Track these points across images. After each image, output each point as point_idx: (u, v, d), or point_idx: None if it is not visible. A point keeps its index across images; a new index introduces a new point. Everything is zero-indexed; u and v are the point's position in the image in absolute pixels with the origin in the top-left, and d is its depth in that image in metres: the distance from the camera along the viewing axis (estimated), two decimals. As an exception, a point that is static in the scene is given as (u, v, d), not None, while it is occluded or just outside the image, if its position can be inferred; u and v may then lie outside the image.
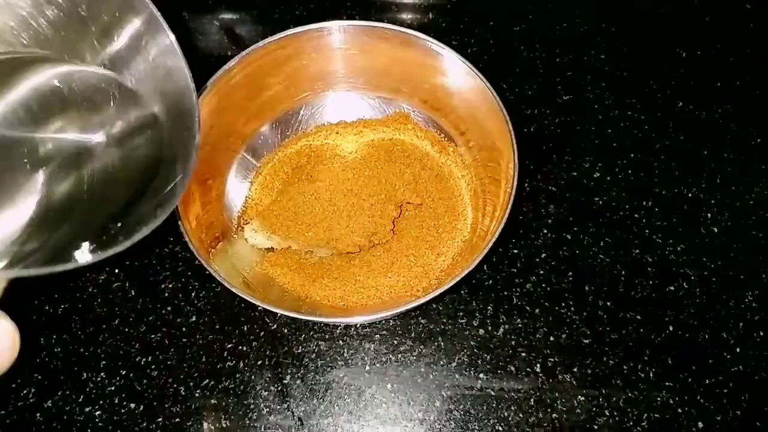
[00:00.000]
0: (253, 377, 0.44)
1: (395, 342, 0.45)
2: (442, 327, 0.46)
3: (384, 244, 0.45)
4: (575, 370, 0.45)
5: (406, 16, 0.59)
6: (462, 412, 0.43)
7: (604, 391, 0.44)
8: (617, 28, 0.59)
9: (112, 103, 0.28)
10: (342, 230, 0.44)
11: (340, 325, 0.45)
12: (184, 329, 0.45)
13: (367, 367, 0.44)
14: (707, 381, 0.44)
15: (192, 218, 0.41)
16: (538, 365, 0.45)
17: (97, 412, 0.42)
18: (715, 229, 0.50)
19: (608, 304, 0.47)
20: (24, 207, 0.25)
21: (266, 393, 0.43)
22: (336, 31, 0.46)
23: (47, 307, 0.46)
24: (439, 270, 0.44)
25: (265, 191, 0.48)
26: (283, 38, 0.44)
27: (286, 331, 0.45)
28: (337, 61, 0.48)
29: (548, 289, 0.47)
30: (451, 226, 0.46)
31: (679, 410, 0.43)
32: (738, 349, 0.45)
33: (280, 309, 0.37)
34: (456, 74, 0.44)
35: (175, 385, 0.44)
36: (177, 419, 0.42)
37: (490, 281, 0.47)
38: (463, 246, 0.45)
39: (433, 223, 0.46)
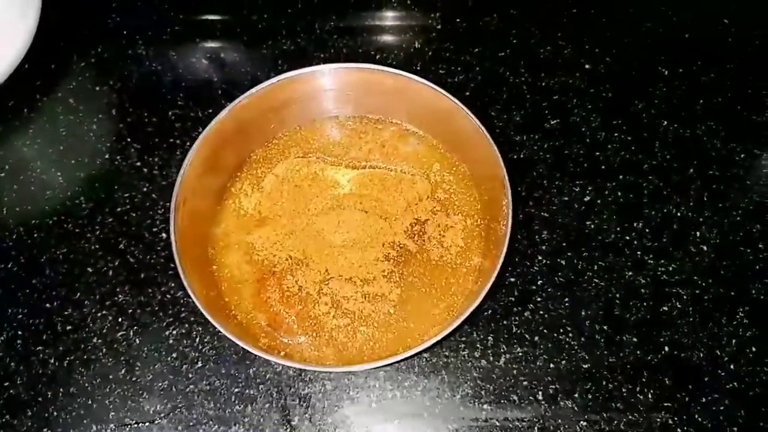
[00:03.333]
0: (262, 420, 0.45)
1: (399, 378, 0.46)
2: (445, 360, 0.47)
3: (384, 294, 0.46)
4: (576, 395, 0.46)
5: (394, 45, 0.60)
6: (468, 444, 0.44)
7: (605, 414, 0.45)
8: (600, 49, 0.60)
9: None
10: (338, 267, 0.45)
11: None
12: (190, 376, 0.46)
13: (373, 405, 0.45)
14: (704, 399, 0.46)
15: (190, 266, 0.41)
16: (540, 393, 0.46)
17: (109, 465, 0.43)
18: (705, 247, 0.51)
19: (605, 327, 0.48)
20: None
21: (275, 435, 0.44)
22: (326, 73, 0.46)
23: (53, 360, 0.46)
24: (441, 315, 0.45)
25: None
26: (274, 84, 0.45)
27: (291, 372, 0.46)
28: (328, 100, 0.49)
29: (546, 316, 0.48)
30: (452, 273, 0.46)
31: (679, 430, 0.45)
32: (732, 366, 0.47)
33: (283, 360, 0.38)
34: (446, 109, 0.45)
35: (184, 433, 0.44)
36: (189, 467, 0.43)
37: (489, 311, 0.48)
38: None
39: (434, 272, 0.47)
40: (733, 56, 0.60)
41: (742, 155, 0.55)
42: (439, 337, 0.38)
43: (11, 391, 0.45)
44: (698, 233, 0.52)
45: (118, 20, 0.61)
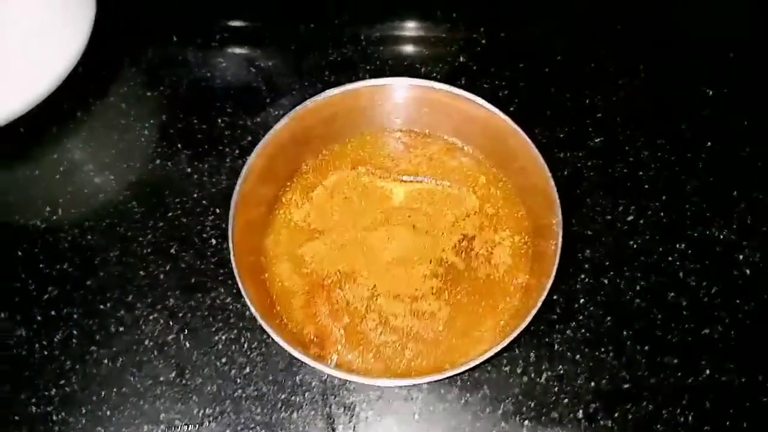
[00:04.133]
0: (306, 428, 0.46)
1: (442, 391, 0.47)
2: (487, 375, 0.47)
3: (433, 312, 0.46)
4: (616, 415, 0.46)
5: (439, 59, 0.60)
6: (509, 459, 0.45)
7: (645, 435, 0.46)
8: (645, 67, 0.60)
9: None
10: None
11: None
12: (238, 381, 0.47)
13: (416, 416, 0.46)
14: (745, 424, 0.46)
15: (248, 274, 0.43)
16: (581, 411, 0.46)
17: (160, 465, 0.44)
18: (748, 271, 0.51)
19: (646, 348, 0.48)
20: None
21: (320, 443, 0.45)
22: (379, 87, 0.47)
23: (106, 360, 0.48)
24: (487, 333, 0.46)
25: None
26: (330, 96, 0.46)
27: (337, 381, 0.47)
28: (379, 113, 0.50)
29: (587, 334, 0.49)
30: (500, 290, 0.47)
31: (718, 454, 0.45)
32: (773, 392, 0.47)
33: (332, 371, 0.39)
34: (494, 125, 0.46)
35: (232, 437, 0.46)
36: (237, 471, 0.44)
37: (531, 328, 0.49)
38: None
39: (482, 289, 0.47)
40: (780, 78, 0.59)
41: (788, 178, 0.55)
42: (487, 356, 0.39)
43: (66, 389, 0.47)
44: (741, 256, 0.52)
45: (169, 27, 0.62)
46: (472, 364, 0.39)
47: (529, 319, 0.39)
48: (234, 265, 0.41)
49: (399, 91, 0.48)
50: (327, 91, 0.46)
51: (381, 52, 0.61)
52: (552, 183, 0.43)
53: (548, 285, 0.40)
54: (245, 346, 0.48)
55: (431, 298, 0.46)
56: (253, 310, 0.40)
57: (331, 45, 0.61)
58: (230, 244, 0.42)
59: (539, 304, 0.40)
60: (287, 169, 0.50)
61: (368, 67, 0.60)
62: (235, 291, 0.49)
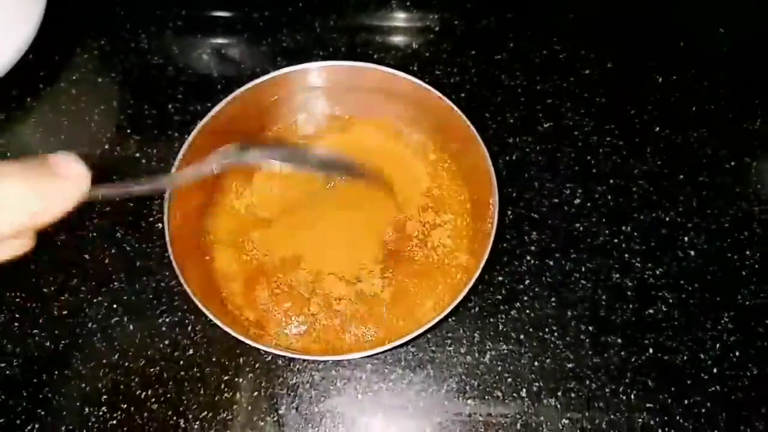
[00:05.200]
0: (250, 408, 0.46)
1: (386, 371, 0.47)
2: (431, 355, 0.47)
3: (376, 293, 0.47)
4: (559, 394, 0.46)
5: (391, 46, 0.61)
6: (451, 438, 0.45)
7: (587, 414, 0.46)
8: (595, 55, 0.61)
9: None
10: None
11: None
12: (181, 362, 0.47)
13: (360, 396, 0.46)
14: (686, 402, 0.46)
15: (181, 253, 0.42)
16: (524, 390, 0.47)
17: (99, 447, 0.44)
18: (692, 252, 0.52)
19: (590, 328, 0.49)
20: None
21: (263, 423, 0.45)
22: (318, 70, 0.47)
23: (48, 343, 0.47)
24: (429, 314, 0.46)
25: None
26: (267, 80, 0.46)
27: (280, 362, 0.47)
28: (320, 97, 0.50)
29: (532, 315, 0.49)
30: (440, 271, 0.47)
31: (660, 431, 0.45)
32: (715, 370, 0.48)
33: (273, 349, 0.39)
34: (438, 109, 0.46)
35: (174, 418, 0.45)
36: (177, 452, 0.44)
37: (476, 308, 0.49)
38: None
39: (423, 270, 0.47)
40: (726, 65, 0.60)
41: (733, 163, 0.56)
42: (421, 331, 0.39)
43: (7, 372, 0.46)
44: (686, 238, 0.52)
45: (122, 14, 0.62)
46: (407, 338, 0.39)
47: (461, 295, 0.39)
48: (170, 248, 0.41)
49: (341, 74, 0.48)
50: (265, 75, 0.46)
51: (334, 39, 0.61)
52: (490, 163, 0.44)
53: (482, 262, 0.40)
54: (188, 329, 0.48)
55: (375, 279, 0.46)
56: (189, 291, 0.40)
57: (284, 32, 0.61)
58: (166, 228, 0.42)
59: (473, 280, 0.40)
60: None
61: (321, 54, 0.60)
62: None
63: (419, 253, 0.47)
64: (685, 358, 0.48)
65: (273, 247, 0.48)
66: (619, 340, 0.48)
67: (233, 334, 0.39)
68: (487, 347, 0.48)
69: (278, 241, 0.48)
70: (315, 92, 0.49)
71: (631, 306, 0.50)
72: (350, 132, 0.52)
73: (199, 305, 0.39)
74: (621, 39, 0.62)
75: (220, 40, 0.61)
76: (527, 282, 0.50)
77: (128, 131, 0.56)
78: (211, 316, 0.39)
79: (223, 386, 0.46)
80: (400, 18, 0.63)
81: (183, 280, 0.40)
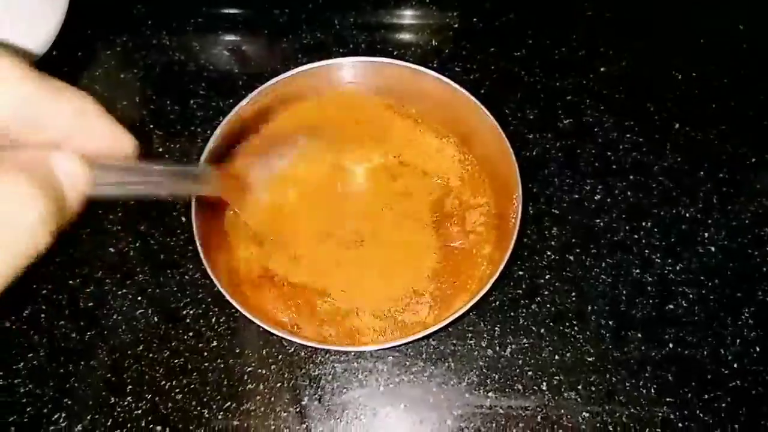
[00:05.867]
0: (272, 399, 0.46)
1: (407, 363, 0.47)
2: (452, 348, 0.48)
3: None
4: (580, 387, 0.47)
5: (411, 43, 0.61)
6: (472, 430, 0.45)
7: (607, 407, 0.46)
8: (614, 51, 0.61)
9: None
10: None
11: (354, 348, 0.47)
12: (205, 354, 0.48)
13: (381, 388, 0.47)
14: (706, 396, 0.47)
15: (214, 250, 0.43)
16: (545, 383, 0.47)
17: (126, 436, 0.45)
18: (712, 248, 0.52)
19: (610, 323, 0.49)
20: None
21: (285, 414, 0.46)
22: (343, 66, 0.48)
23: (74, 334, 0.48)
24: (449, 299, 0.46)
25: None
26: (293, 75, 0.46)
27: (303, 354, 0.47)
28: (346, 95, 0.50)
29: (553, 309, 0.49)
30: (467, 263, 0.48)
31: (680, 425, 0.46)
32: (735, 365, 0.48)
33: (298, 338, 0.40)
34: (460, 105, 0.46)
35: (198, 408, 0.46)
36: (201, 441, 0.44)
37: (497, 302, 0.49)
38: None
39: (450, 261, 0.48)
40: (747, 62, 0.60)
41: (753, 159, 0.56)
42: (441, 324, 0.39)
43: (34, 363, 0.47)
44: (706, 234, 0.53)
45: (143, 11, 0.62)
46: (428, 331, 0.39)
47: (484, 290, 0.40)
48: (197, 240, 0.42)
49: (365, 69, 0.48)
50: (291, 70, 0.46)
51: (354, 36, 0.62)
52: (513, 159, 0.44)
53: (506, 256, 0.40)
54: (212, 320, 0.49)
55: (419, 306, 0.47)
56: (217, 283, 0.40)
57: (304, 29, 0.62)
58: (194, 221, 0.42)
59: (496, 275, 0.40)
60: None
61: (341, 51, 0.60)
62: (203, 267, 0.49)
63: (445, 248, 0.48)
64: (705, 353, 0.48)
65: (298, 274, 0.47)
66: (640, 335, 0.49)
67: (261, 324, 0.40)
68: (508, 341, 0.48)
69: (299, 238, 0.48)
70: (339, 89, 0.50)
71: (651, 301, 0.50)
72: (375, 127, 0.52)
73: (227, 296, 0.40)
74: (640, 36, 0.62)
75: (240, 37, 0.62)
76: (548, 277, 0.50)
77: (151, 126, 0.56)
78: (237, 306, 0.39)
79: (246, 377, 0.47)
80: (419, 15, 0.63)
81: (210, 272, 0.40)
